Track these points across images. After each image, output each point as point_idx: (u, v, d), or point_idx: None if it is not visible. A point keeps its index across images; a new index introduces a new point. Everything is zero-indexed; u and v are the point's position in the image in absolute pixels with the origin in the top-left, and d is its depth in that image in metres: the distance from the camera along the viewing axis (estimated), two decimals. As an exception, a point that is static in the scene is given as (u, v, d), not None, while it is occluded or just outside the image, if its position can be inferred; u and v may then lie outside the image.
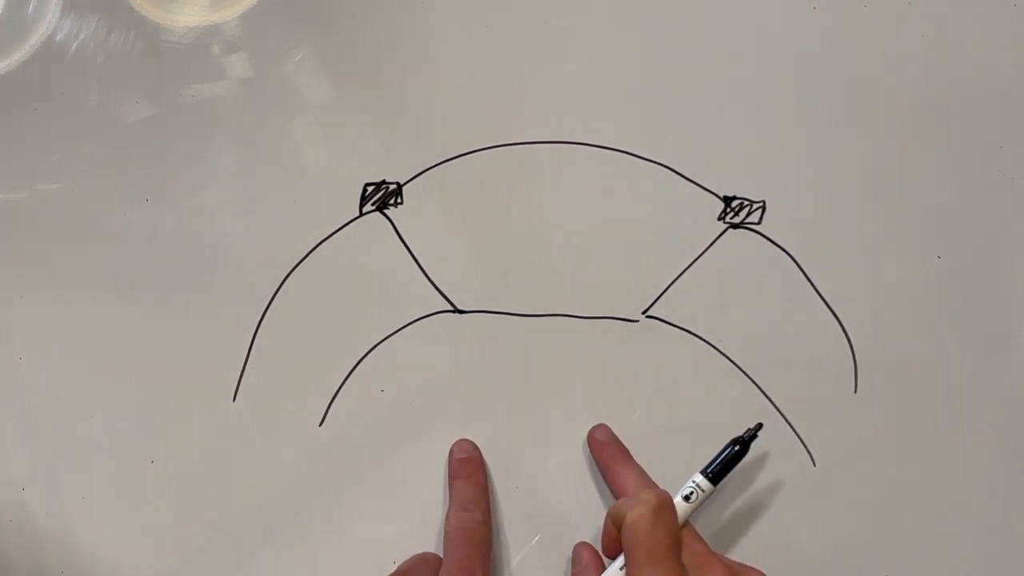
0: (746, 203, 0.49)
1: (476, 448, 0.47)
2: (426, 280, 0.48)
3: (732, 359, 0.49)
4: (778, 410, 0.49)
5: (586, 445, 0.48)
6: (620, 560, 0.42)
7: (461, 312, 0.48)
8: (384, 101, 0.48)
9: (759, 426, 0.45)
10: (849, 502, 0.49)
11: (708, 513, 0.48)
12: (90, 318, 0.46)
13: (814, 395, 0.49)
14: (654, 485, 0.45)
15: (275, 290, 0.47)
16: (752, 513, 0.48)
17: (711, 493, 0.44)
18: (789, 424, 0.49)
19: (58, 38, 0.46)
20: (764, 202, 0.49)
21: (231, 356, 0.47)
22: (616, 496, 0.46)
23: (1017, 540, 0.49)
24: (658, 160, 0.48)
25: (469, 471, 0.46)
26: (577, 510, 0.47)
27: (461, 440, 0.47)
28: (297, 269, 0.47)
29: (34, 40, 0.46)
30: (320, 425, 0.47)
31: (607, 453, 0.47)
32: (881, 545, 0.49)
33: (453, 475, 0.46)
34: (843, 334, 0.49)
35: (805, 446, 0.49)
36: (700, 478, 0.44)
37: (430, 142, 0.48)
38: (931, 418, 0.49)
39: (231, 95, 0.47)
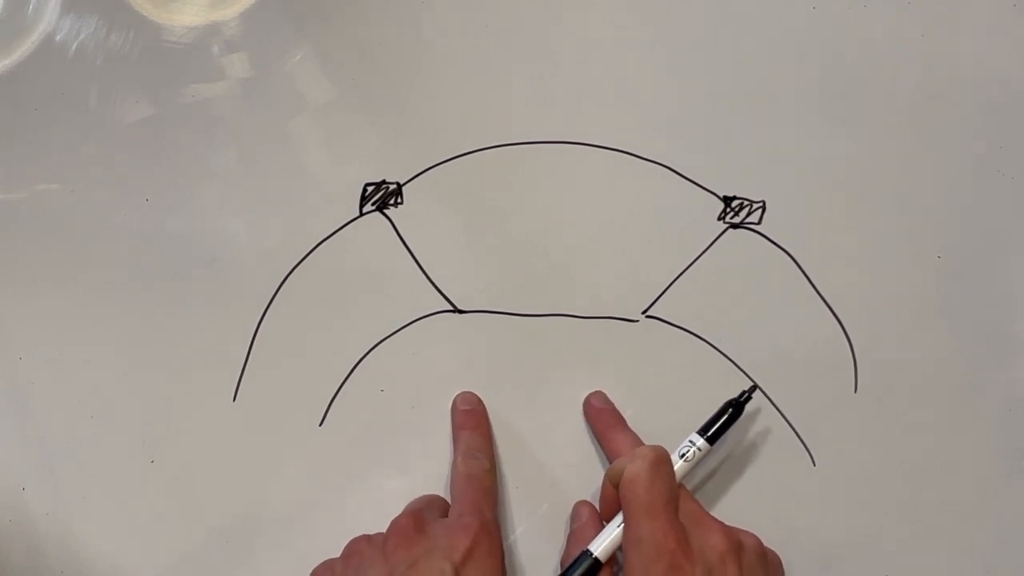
0: (746, 203, 0.49)
1: (480, 401, 0.47)
2: (426, 280, 0.48)
3: (732, 359, 0.49)
4: (778, 410, 0.49)
5: (588, 442, 0.48)
6: (619, 518, 0.43)
7: (461, 312, 0.48)
8: (384, 101, 0.48)
9: (753, 388, 0.46)
10: (849, 502, 0.49)
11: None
12: (90, 318, 0.46)
13: (814, 395, 0.49)
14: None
15: (275, 290, 0.47)
16: (752, 512, 0.48)
17: (707, 453, 0.44)
18: (789, 424, 0.49)
19: (58, 38, 0.46)
20: (764, 202, 0.49)
21: (231, 356, 0.47)
22: (609, 460, 0.46)
23: (1017, 540, 0.49)
24: (658, 160, 0.48)
25: (474, 422, 0.46)
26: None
27: (464, 392, 0.47)
28: (297, 269, 0.47)
29: (34, 40, 0.46)
30: (320, 425, 0.47)
31: (602, 420, 0.47)
32: (881, 545, 0.49)
33: (458, 426, 0.47)
34: (843, 334, 0.49)
35: (805, 446, 0.49)
36: (696, 437, 0.44)
37: (430, 142, 0.48)
38: (931, 418, 0.49)
39: (231, 95, 0.47)
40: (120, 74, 0.46)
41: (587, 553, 0.43)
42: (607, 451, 0.47)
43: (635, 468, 0.42)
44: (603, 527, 0.44)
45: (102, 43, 0.46)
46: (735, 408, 0.45)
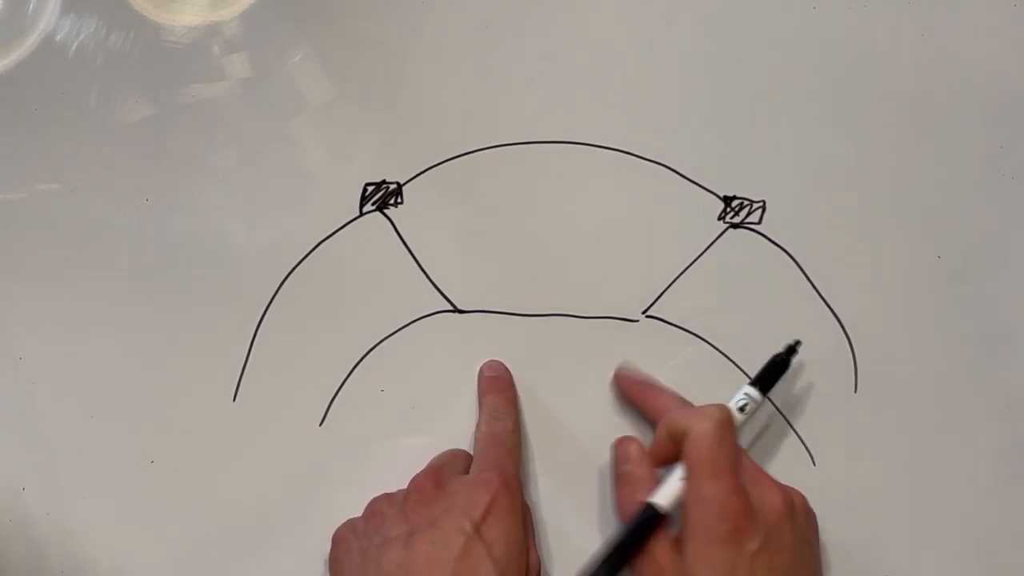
0: (746, 203, 0.49)
1: (506, 368, 0.47)
2: (426, 280, 0.48)
3: (732, 359, 0.49)
4: (778, 410, 0.49)
5: (586, 441, 0.48)
6: (679, 471, 0.42)
7: (461, 312, 0.48)
8: (384, 101, 0.48)
9: (798, 342, 0.46)
10: (849, 502, 0.49)
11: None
12: (90, 318, 0.46)
13: (814, 395, 0.49)
14: (692, 404, 0.45)
15: (275, 290, 0.47)
16: (752, 513, 0.48)
17: (760, 404, 0.45)
18: (789, 424, 0.49)
19: (58, 38, 0.46)
20: (764, 202, 0.49)
21: (231, 356, 0.47)
22: (652, 417, 0.46)
23: (1017, 540, 0.49)
24: (658, 160, 0.48)
25: (500, 386, 0.47)
26: (576, 504, 0.47)
27: (491, 360, 0.48)
28: (297, 269, 0.47)
29: (34, 40, 0.46)
30: (320, 425, 0.47)
31: (636, 382, 0.47)
32: (881, 545, 0.49)
33: (483, 391, 0.47)
34: (843, 334, 0.49)
35: (805, 446, 0.49)
36: (751, 389, 0.45)
37: (430, 142, 0.48)
38: (931, 418, 0.49)
39: (231, 95, 0.47)
40: (120, 74, 0.46)
41: (654, 506, 0.42)
42: (649, 408, 0.46)
43: (703, 428, 0.42)
44: (653, 471, 0.44)
45: (102, 43, 0.46)
46: (783, 360, 0.46)
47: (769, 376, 0.46)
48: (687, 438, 0.42)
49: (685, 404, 0.45)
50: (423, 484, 0.43)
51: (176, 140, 0.46)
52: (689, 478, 0.42)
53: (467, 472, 0.44)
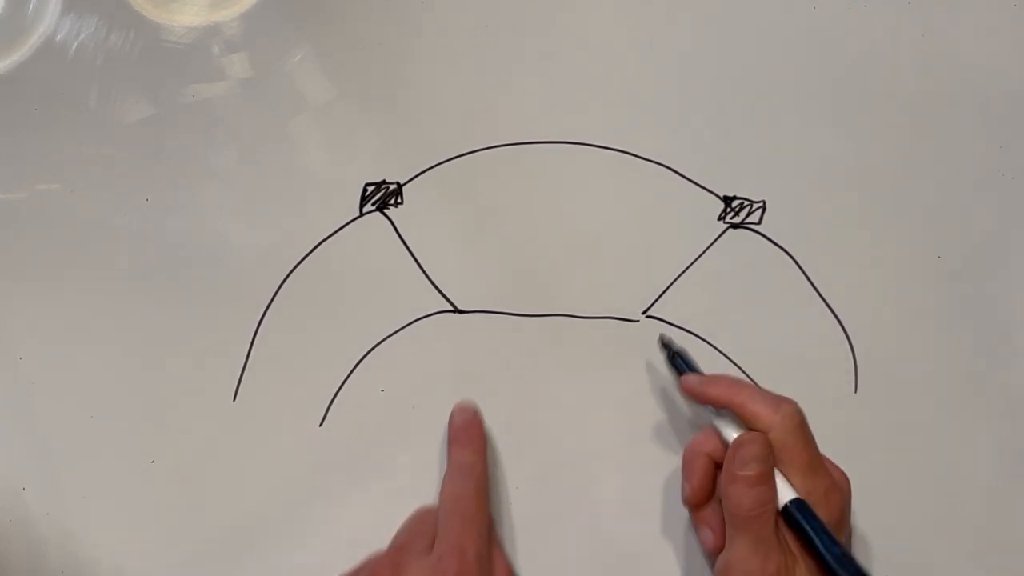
0: (746, 203, 0.49)
1: (476, 412, 0.47)
2: (426, 280, 0.48)
3: (732, 359, 0.49)
4: (778, 410, 0.49)
5: (586, 442, 0.48)
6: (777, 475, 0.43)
7: (461, 312, 0.48)
8: (384, 101, 0.48)
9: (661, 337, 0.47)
10: (849, 502, 0.49)
11: (708, 513, 0.48)
12: (90, 318, 0.46)
13: (814, 395, 0.49)
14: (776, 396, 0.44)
15: (275, 290, 0.47)
16: (752, 513, 0.48)
17: None
18: (789, 424, 0.49)
19: (58, 38, 0.46)
20: (764, 202, 0.49)
21: (231, 356, 0.47)
22: (742, 416, 0.44)
23: (1017, 541, 0.49)
24: (658, 160, 0.48)
25: (468, 436, 0.46)
26: (574, 506, 0.47)
27: (460, 404, 0.47)
28: (297, 269, 0.47)
29: (34, 40, 0.46)
30: (320, 425, 0.47)
31: (722, 384, 0.45)
32: (881, 545, 0.49)
33: (451, 441, 0.46)
34: (843, 334, 0.49)
35: (805, 446, 0.49)
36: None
37: (430, 142, 0.48)
38: (931, 418, 0.49)
39: (231, 95, 0.47)
40: (120, 74, 0.46)
41: (801, 501, 0.42)
42: (744, 414, 0.44)
43: (787, 430, 0.42)
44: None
45: (102, 43, 0.46)
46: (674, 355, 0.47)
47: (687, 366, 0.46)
48: (776, 439, 0.42)
49: (750, 391, 0.44)
50: (380, 574, 0.42)
51: (176, 140, 0.46)
52: (787, 475, 0.42)
53: (432, 546, 0.42)
